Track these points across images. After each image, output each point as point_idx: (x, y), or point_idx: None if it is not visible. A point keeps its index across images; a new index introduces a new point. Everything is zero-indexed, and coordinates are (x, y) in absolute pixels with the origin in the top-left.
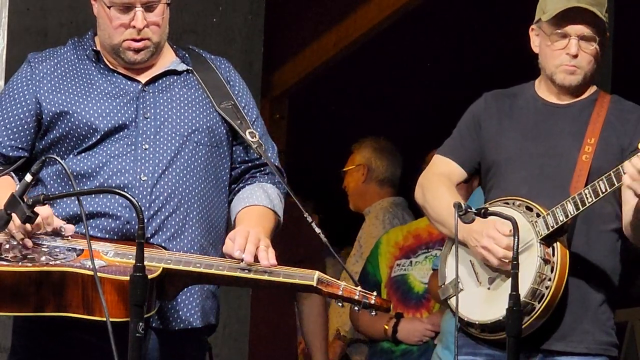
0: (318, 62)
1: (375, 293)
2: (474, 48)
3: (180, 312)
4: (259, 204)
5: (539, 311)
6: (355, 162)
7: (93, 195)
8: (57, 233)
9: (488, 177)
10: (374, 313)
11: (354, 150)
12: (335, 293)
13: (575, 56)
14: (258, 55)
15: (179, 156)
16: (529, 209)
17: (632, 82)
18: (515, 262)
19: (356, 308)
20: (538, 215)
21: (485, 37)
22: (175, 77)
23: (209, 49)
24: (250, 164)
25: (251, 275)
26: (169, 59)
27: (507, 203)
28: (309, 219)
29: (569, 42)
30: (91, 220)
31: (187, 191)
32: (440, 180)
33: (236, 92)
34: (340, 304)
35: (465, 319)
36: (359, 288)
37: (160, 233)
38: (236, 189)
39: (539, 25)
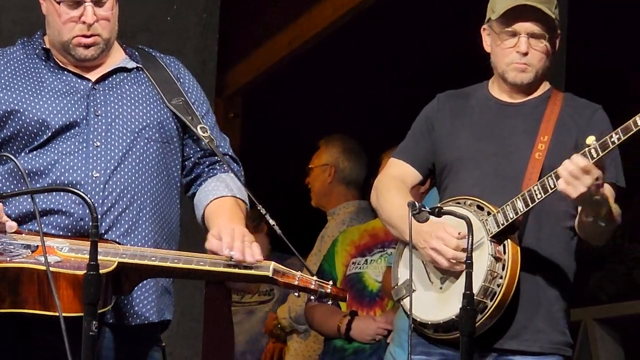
0: (272, 61)
1: (331, 282)
2: (429, 47)
3: (136, 308)
4: (227, 195)
5: (491, 309)
6: (322, 161)
7: (46, 193)
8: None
9: (442, 177)
10: (330, 302)
11: (322, 146)
12: (291, 283)
13: (526, 54)
14: (212, 54)
15: (130, 152)
16: (480, 207)
17: (586, 80)
18: (469, 262)
19: (312, 297)
20: (489, 214)
21: (440, 36)
22: (125, 75)
23: (163, 48)
24: (201, 154)
25: (207, 267)
26: (118, 57)
27: (459, 202)
28: (263, 211)
29: (518, 40)
30: (44, 218)
31: (139, 187)
32: (392, 183)
33: (186, 89)
34: (296, 294)
35: (418, 320)
36: (314, 278)
37: (114, 229)
38: (198, 182)
39: (490, 25)
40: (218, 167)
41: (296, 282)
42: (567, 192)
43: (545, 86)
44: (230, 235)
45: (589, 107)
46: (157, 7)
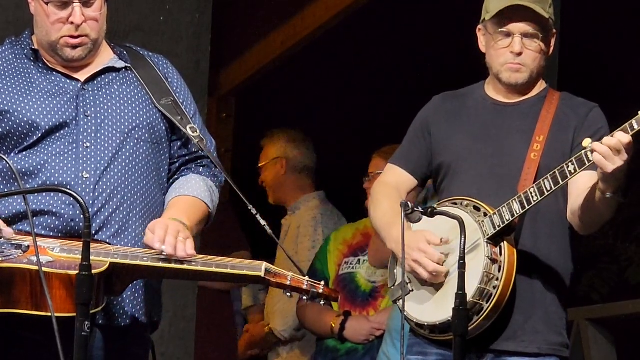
0: (265, 61)
1: (322, 283)
2: (423, 46)
3: (127, 308)
4: (188, 194)
5: (487, 311)
6: (270, 156)
7: (36, 194)
8: None
9: (439, 178)
10: (322, 302)
11: (265, 144)
12: (283, 283)
13: (520, 54)
14: (205, 54)
15: (120, 153)
16: (477, 208)
17: (579, 79)
18: (462, 262)
19: (304, 298)
20: (485, 215)
21: (434, 35)
22: (114, 75)
23: (156, 48)
24: (187, 157)
25: (199, 268)
26: (106, 57)
27: (455, 203)
28: (254, 211)
29: (512, 41)
30: (35, 219)
31: (129, 187)
32: (384, 190)
33: (174, 88)
34: (288, 294)
35: (415, 321)
36: (306, 278)
37: (104, 229)
38: (171, 181)
39: (484, 25)
40: (193, 167)
41: (288, 282)
42: (603, 165)
43: (541, 85)
44: (164, 230)
45: (584, 105)
46: (150, 7)
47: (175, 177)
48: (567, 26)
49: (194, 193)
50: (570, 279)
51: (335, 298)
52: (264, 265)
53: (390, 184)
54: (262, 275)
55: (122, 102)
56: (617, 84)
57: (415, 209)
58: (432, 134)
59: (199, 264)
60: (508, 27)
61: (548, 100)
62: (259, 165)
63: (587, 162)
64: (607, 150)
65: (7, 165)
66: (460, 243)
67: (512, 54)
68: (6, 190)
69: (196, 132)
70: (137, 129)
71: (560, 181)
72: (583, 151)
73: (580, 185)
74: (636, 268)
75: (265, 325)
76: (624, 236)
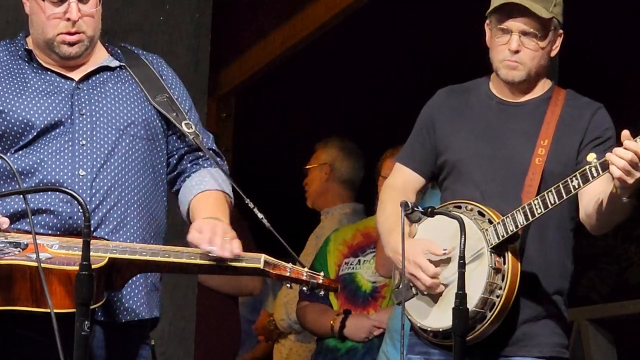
0: (265, 61)
1: (322, 273)
2: (423, 46)
3: (127, 304)
4: (211, 189)
5: (490, 319)
6: (319, 160)
7: (35, 192)
8: None
9: (442, 176)
10: (322, 293)
11: (319, 148)
12: (283, 274)
13: (517, 52)
14: (205, 54)
15: (116, 150)
16: (481, 214)
17: (579, 78)
18: (462, 261)
19: (304, 289)
20: (490, 222)
21: (434, 35)
22: (108, 73)
23: (156, 48)
24: (185, 149)
25: (198, 261)
26: (101, 56)
27: (459, 207)
28: (251, 205)
29: (510, 38)
30: (33, 217)
31: (126, 184)
32: (391, 194)
33: (169, 85)
34: (288, 285)
35: (418, 325)
36: (306, 269)
37: (102, 226)
38: (181, 178)
39: (490, 20)
40: (201, 162)
41: (288, 274)
42: (624, 179)
43: (545, 85)
44: (212, 231)
45: (589, 106)
46: (150, 6)
47: (186, 174)
48: (567, 26)
49: (215, 187)
50: (570, 280)
51: (335, 288)
52: (263, 257)
53: (398, 186)
54: (261, 267)
55: (116, 99)
56: (617, 84)
57: (415, 209)
58: (436, 130)
59: (197, 256)
60: (506, 24)
61: (553, 101)
62: (306, 167)
63: (591, 179)
64: (625, 165)
65: (4, 165)
66: (460, 242)
67: (509, 51)
68: (3, 189)
69: (192, 128)
70: (132, 125)
71: (565, 195)
72: (587, 167)
73: (594, 187)
74: (636, 268)
75: (270, 315)
76: (624, 236)
